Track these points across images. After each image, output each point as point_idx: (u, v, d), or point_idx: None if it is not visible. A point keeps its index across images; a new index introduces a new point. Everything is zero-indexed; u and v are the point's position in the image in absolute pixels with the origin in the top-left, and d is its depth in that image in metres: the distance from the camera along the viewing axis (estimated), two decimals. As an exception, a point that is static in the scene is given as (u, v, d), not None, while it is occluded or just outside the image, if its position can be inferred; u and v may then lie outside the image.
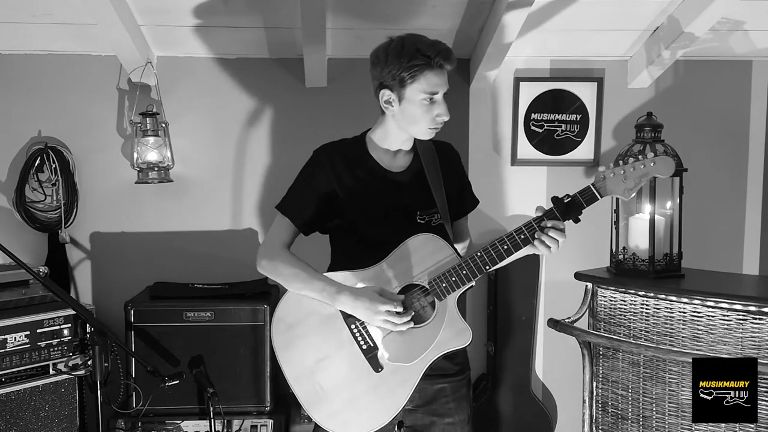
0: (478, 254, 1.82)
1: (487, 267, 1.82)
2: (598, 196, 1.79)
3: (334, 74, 2.95)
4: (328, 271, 1.93)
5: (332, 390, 1.86)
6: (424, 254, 1.85)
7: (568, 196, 1.80)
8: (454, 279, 1.82)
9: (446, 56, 1.81)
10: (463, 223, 2.10)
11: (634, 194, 1.81)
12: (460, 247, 2.09)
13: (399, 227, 1.89)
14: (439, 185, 1.95)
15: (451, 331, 1.83)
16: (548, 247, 1.79)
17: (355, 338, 1.87)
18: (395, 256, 1.86)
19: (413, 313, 1.83)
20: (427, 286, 1.84)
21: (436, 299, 1.84)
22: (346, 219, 1.92)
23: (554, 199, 1.81)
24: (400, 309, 1.80)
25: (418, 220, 1.92)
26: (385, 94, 1.85)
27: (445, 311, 1.84)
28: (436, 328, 1.83)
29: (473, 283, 1.84)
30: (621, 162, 1.80)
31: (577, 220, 1.81)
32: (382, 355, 1.85)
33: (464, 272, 1.82)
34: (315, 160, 1.95)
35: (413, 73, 1.80)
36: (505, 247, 1.81)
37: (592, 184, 1.80)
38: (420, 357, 1.83)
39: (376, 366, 1.85)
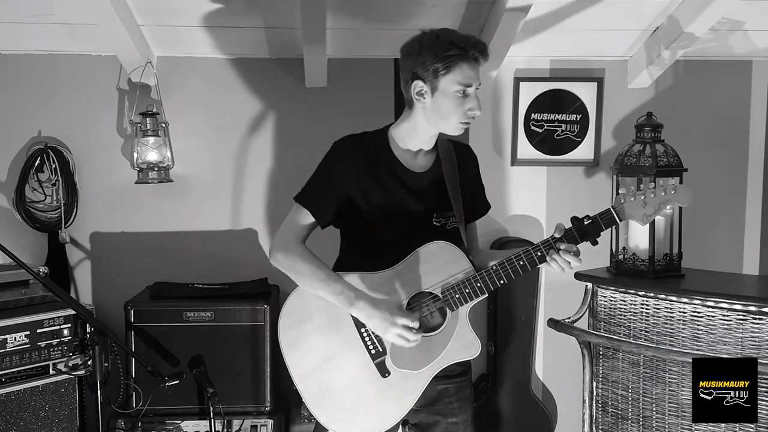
0: (494, 268, 1.80)
1: (502, 282, 1.81)
2: (618, 220, 1.77)
3: (334, 74, 2.95)
4: (336, 269, 1.89)
5: (338, 391, 1.85)
6: (438, 263, 1.82)
7: (588, 217, 1.78)
8: (468, 291, 1.81)
9: (481, 50, 1.80)
10: (473, 228, 2.06)
11: (651, 221, 1.79)
12: None
13: (414, 228, 1.86)
14: (456, 188, 1.91)
15: (460, 342, 1.83)
16: (562, 268, 1.78)
17: (365, 342, 1.84)
18: (409, 262, 1.83)
19: (423, 330, 1.81)
20: (440, 296, 1.82)
21: (447, 309, 1.82)
22: (362, 216, 1.87)
23: (574, 219, 1.78)
24: (416, 324, 1.78)
25: (434, 223, 1.89)
26: (418, 85, 1.81)
27: (456, 322, 1.83)
28: (446, 338, 1.83)
29: (486, 296, 1.82)
30: (642, 186, 1.78)
31: (595, 243, 1.78)
32: (390, 360, 1.83)
33: (479, 285, 1.81)
34: (336, 153, 1.89)
35: (448, 63, 1.77)
36: (521, 263, 1.80)
37: (612, 207, 1.78)
38: (428, 365, 1.82)
39: (384, 371, 1.83)
